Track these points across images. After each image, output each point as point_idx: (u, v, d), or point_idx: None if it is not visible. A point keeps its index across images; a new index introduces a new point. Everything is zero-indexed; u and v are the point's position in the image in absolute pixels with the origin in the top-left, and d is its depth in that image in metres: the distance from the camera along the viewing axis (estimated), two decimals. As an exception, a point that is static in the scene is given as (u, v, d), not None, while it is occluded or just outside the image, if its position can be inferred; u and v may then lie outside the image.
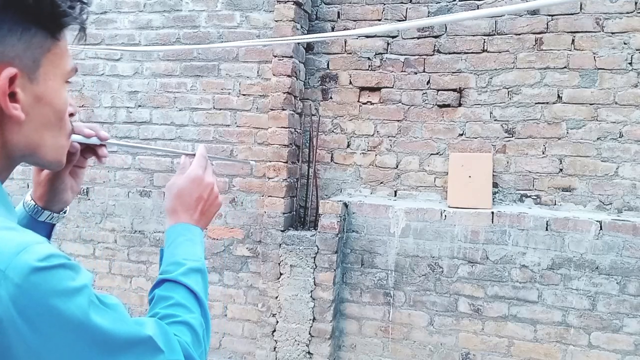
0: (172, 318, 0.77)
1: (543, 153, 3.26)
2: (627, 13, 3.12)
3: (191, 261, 0.87)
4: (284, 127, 3.41)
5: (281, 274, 3.31)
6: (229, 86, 3.65)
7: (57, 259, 0.59)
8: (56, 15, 0.67)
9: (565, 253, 2.98)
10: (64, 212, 0.94)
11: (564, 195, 3.23)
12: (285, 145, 3.42)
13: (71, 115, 0.78)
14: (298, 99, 3.58)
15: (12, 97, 0.65)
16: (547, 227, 3.00)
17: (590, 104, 3.19)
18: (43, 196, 0.90)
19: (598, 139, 3.18)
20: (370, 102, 3.55)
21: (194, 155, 0.99)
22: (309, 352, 3.24)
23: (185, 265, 0.85)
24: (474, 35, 3.37)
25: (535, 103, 3.27)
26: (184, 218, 0.93)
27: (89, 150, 0.91)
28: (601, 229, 2.92)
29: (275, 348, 3.32)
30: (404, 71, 3.48)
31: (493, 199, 3.27)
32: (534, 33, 3.27)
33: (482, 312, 3.11)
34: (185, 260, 0.86)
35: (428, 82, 3.45)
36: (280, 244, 3.33)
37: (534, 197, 3.28)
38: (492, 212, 3.08)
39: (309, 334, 3.24)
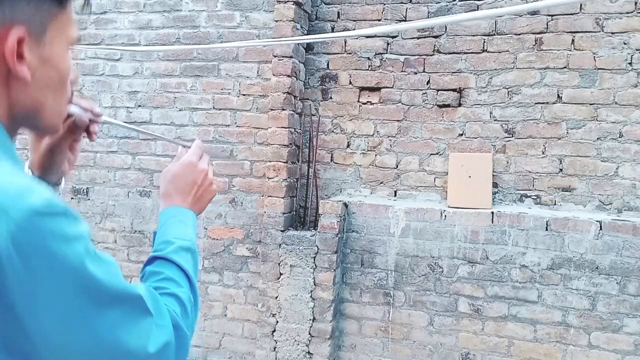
0: (161, 290, 0.80)
1: (543, 153, 3.26)
2: (627, 13, 3.12)
3: (181, 240, 0.90)
4: (284, 127, 3.41)
5: (281, 274, 3.31)
6: (228, 86, 3.65)
7: (60, 206, 0.62)
8: None
9: (565, 253, 2.98)
10: (59, 185, 0.97)
11: (564, 195, 3.23)
12: (285, 145, 3.42)
13: (72, 82, 0.82)
14: (298, 99, 3.58)
15: (20, 57, 0.68)
16: (547, 227, 3.00)
17: (590, 104, 3.19)
18: (40, 164, 0.93)
19: (598, 139, 3.18)
20: (370, 102, 3.55)
21: (190, 146, 1.03)
22: (308, 352, 3.24)
23: (175, 244, 0.88)
24: (473, 35, 3.37)
25: (535, 103, 3.27)
26: (177, 201, 0.97)
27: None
28: (601, 229, 2.92)
29: (275, 348, 3.32)
30: (404, 71, 3.48)
31: (493, 199, 3.27)
32: (533, 33, 3.27)
33: (482, 312, 3.11)
34: (176, 239, 0.89)
35: (428, 82, 3.45)
36: (280, 244, 3.33)
37: (534, 197, 3.28)
38: (492, 212, 3.08)
39: (309, 334, 3.24)
